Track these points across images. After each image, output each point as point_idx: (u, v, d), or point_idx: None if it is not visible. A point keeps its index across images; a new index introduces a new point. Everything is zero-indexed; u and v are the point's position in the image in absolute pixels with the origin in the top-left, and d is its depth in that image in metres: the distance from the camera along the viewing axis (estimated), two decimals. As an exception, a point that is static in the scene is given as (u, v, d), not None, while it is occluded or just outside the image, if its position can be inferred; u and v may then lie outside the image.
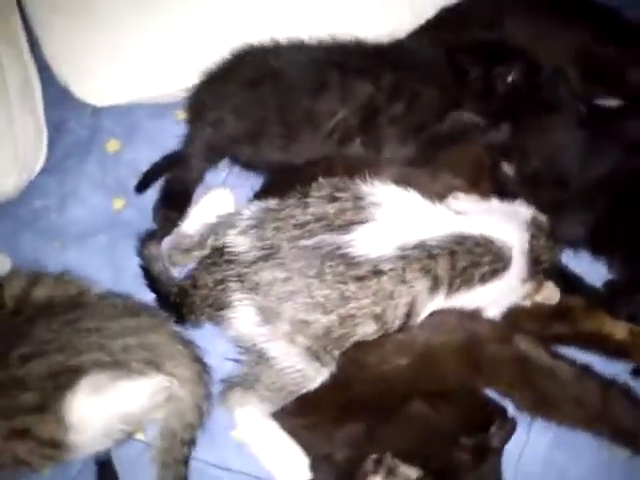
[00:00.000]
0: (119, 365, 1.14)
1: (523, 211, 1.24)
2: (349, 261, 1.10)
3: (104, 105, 1.46)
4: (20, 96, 1.39)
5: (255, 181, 1.39)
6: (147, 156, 1.44)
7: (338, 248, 1.10)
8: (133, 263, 1.30)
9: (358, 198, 1.15)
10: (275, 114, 1.33)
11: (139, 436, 1.23)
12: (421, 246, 1.12)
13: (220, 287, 1.15)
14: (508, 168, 1.36)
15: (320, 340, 1.11)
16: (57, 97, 1.47)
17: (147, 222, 1.36)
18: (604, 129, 1.37)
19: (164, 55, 1.44)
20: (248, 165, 1.40)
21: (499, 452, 1.15)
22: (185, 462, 1.18)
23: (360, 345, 1.14)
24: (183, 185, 1.38)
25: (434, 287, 1.13)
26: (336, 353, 1.14)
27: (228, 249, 1.16)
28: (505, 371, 1.18)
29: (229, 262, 1.15)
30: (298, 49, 1.36)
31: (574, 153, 1.35)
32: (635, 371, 1.28)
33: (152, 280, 1.28)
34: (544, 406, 1.20)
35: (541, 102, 1.38)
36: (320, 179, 1.20)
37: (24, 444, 1.10)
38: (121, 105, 1.47)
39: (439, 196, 1.22)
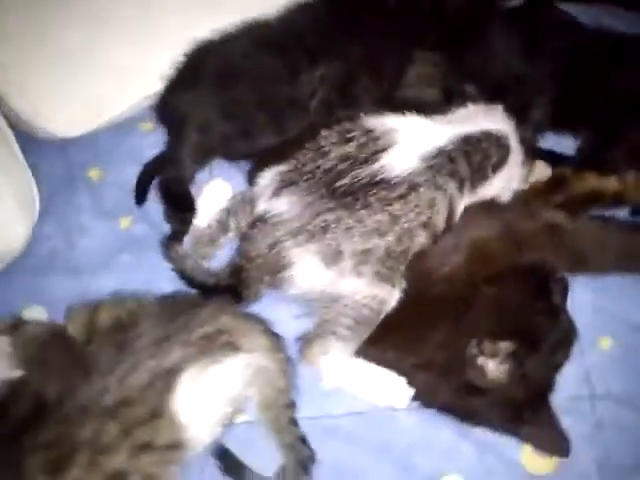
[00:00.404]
0: (205, 354, 1.16)
1: (496, 107, 1.37)
2: (387, 185, 1.19)
3: (72, 136, 1.47)
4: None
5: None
6: (132, 172, 1.45)
7: (374, 177, 1.19)
8: (164, 269, 1.33)
9: (369, 131, 1.24)
10: (258, 107, 1.38)
11: (240, 419, 1.26)
12: (440, 153, 1.22)
13: (275, 250, 1.21)
14: (471, 88, 1.47)
15: (384, 263, 1.19)
16: (20, 140, 1.45)
17: (160, 230, 1.38)
18: (539, 21, 1.52)
19: (118, 73, 1.46)
20: (244, 157, 1.44)
21: (564, 309, 1.27)
22: (295, 423, 1.22)
23: (419, 256, 1.23)
24: (181, 185, 1.41)
25: (461, 186, 1.24)
26: (402, 269, 1.21)
27: (269, 214, 1.22)
28: (540, 241, 1.29)
29: (275, 225, 1.21)
30: (257, 39, 1.41)
31: (520, 52, 1.49)
32: (633, 212, 1.43)
33: (190, 279, 1.31)
34: (579, 262, 1.32)
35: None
36: (322, 131, 1.28)
37: (149, 456, 1.11)
38: (85, 135, 1.48)
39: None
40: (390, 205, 1.18)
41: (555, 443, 1.20)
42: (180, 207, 1.39)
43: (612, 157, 1.45)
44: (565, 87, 1.48)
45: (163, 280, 1.33)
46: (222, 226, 1.35)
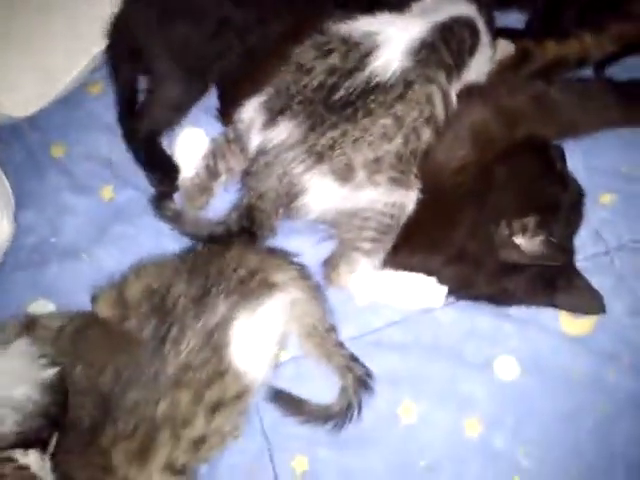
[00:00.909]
0: (247, 297, 1.14)
1: None
2: (383, 88, 1.16)
3: (28, 114, 1.39)
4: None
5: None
6: (96, 139, 1.41)
7: (368, 83, 1.16)
8: (164, 229, 1.29)
9: (346, 39, 1.21)
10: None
11: (283, 357, 1.24)
12: (424, 46, 1.21)
13: (285, 179, 1.17)
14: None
15: (396, 167, 1.18)
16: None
17: (146, 191, 1.33)
18: None
19: (59, 41, 1.39)
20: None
21: (568, 173, 1.29)
22: (342, 345, 1.21)
23: (427, 155, 1.22)
24: (154, 145, 1.36)
25: (449, 75, 1.23)
26: (414, 170, 1.20)
27: (270, 145, 1.18)
28: (529, 113, 1.31)
29: (279, 154, 1.18)
30: None
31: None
32: (597, 69, 1.46)
33: (194, 234, 1.27)
34: (566, 128, 1.35)
35: None
36: (295, 50, 1.24)
37: (222, 414, 1.09)
38: (38, 114, 1.40)
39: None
40: (392, 107, 1.16)
41: (590, 302, 1.23)
42: (161, 169, 1.34)
43: (564, 20, 1.47)
44: None
45: (166, 241, 1.29)
46: (211, 172, 1.30)
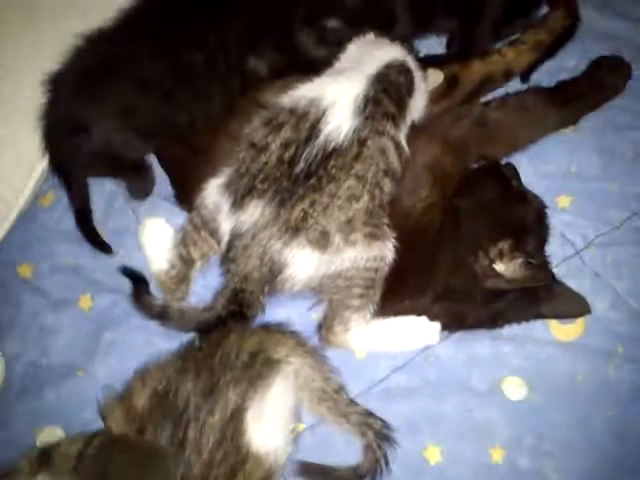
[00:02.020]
0: (255, 381, 1.15)
1: (371, 36, 1.39)
2: (340, 151, 1.18)
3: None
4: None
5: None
6: (60, 251, 1.41)
7: (324, 149, 1.18)
8: (154, 326, 1.29)
9: (292, 110, 1.23)
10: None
11: (302, 427, 1.25)
12: (367, 100, 1.23)
13: (266, 258, 1.19)
14: (334, 23, 1.47)
15: (369, 222, 1.20)
16: None
17: (124, 292, 1.32)
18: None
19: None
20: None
21: (524, 188, 1.35)
22: (354, 403, 1.23)
23: (393, 203, 1.25)
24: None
25: (395, 122, 1.25)
26: (386, 221, 1.23)
27: (243, 228, 1.20)
28: (475, 137, 1.36)
29: (255, 235, 1.19)
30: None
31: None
32: (523, 78, 1.52)
33: (183, 326, 1.27)
34: (511, 142, 1.41)
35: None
36: (244, 129, 1.25)
37: None
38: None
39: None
40: (352, 168, 1.18)
41: (575, 305, 1.29)
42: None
43: (480, 37, 1.53)
44: None
45: (157, 338, 1.29)
46: (185, 261, 1.30)
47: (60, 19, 1.42)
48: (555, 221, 1.39)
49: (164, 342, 1.27)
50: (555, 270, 1.35)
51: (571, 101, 1.45)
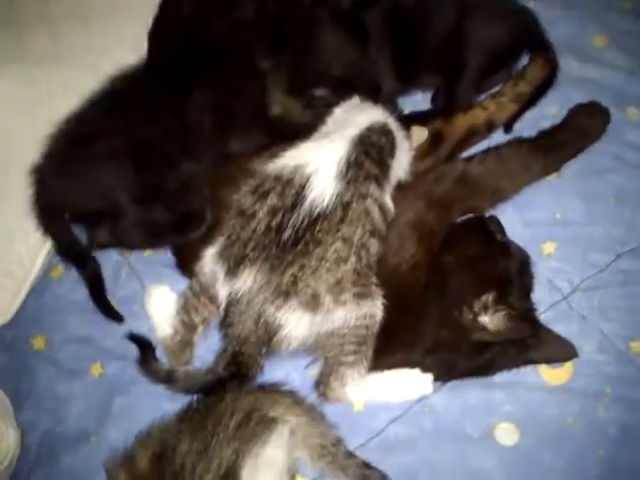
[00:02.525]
0: (248, 439, 1.20)
1: (356, 100, 1.47)
2: (325, 215, 1.25)
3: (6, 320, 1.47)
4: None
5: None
6: (72, 321, 1.49)
7: (310, 215, 1.25)
8: (161, 390, 1.35)
9: (277, 177, 1.29)
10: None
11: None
12: (349, 164, 1.29)
13: (261, 321, 1.25)
14: (321, 92, 1.55)
15: (357, 282, 1.26)
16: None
17: (132, 358, 1.38)
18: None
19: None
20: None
21: (508, 240, 1.41)
22: (352, 455, 1.28)
23: (380, 262, 1.31)
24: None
25: (379, 183, 1.32)
26: (373, 280, 1.29)
27: (238, 294, 1.26)
28: (458, 194, 1.42)
29: (249, 301, 1.25)
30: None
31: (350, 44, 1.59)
32: (505, 129, 1.58)
33: (188, 389, 1.34)
34: (495, 195, 1.46)
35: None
36: (233, 197, 1.33)
37: None
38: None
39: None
40: (338, 231, 1.24)
41: (562, 350, 1.34)
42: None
43: (463, 92, 1.59)
44: (400, 50, 1.60)
45: (164, 401, 1.35)
46: (188, 326, 1.37)
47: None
48: (542, 268, 1.44)
49: (171, 404, 1.32)
50: (543, 316, 1.40)
51: (553, 149, 1.50)
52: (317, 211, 1.25)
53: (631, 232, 1.49)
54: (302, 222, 1.25)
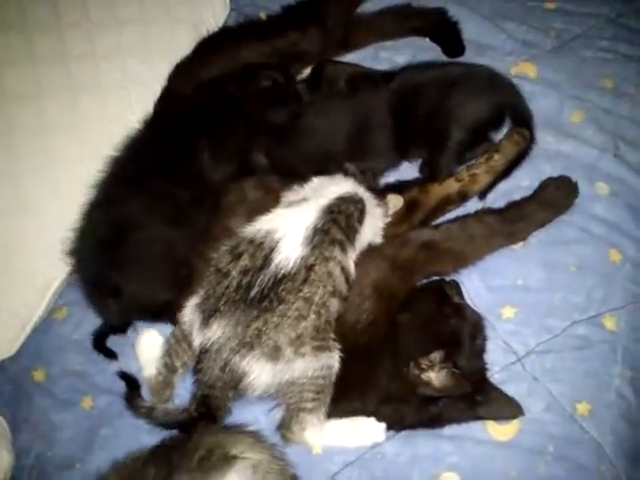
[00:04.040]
0: (207, 472, 1.33)
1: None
2: (289, 276, 1.39)
3: (8, 356, 1.65)
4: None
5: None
6: (68, 360, 1.65)
7: (275, 275, 1.39)
8: (142, 424, 1.50)
9: (251, 241, 1.45)
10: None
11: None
12: (316, 230, 1.44)
13: (227, 369, 1.39)
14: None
15: (316, 337, 1.39)
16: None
17: (119, 393, 1.53)
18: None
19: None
20: None
21: (465, 303, 1.52)
22: (307, 494, 1.41)
23: (340, 318, 1.45)
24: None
25: (343, 248, 1.46)
26: (332, 335, 1.43)
27: (209, 344, 1.41)
28: (421, 259, 1.55)
29: (218, 350, 1.40)
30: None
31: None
32: (480, 197, 1.70)
33: (165, 424, 1.48)
34: (458, 261, 1.58)
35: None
36: (211, 255, 1.48)
37: None
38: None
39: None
40: (300, 291, 1.39)
41: (509, 408, 1.45)
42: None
43: (445, 163, 1.72)
44: (398, 126, 1.75)
45: (143, 435, 1.50)
46: (169, 368, 1.52)
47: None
48: (500, 331, 1.56)
49: (149, 438, 1.47)
50: (497, 376, 1.51)
51: (520, 220, 1.62)
52: (282, 272, 1.39)
53: (590, 301, 1.59)
54: (268, 282, 1.39)
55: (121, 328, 1.62)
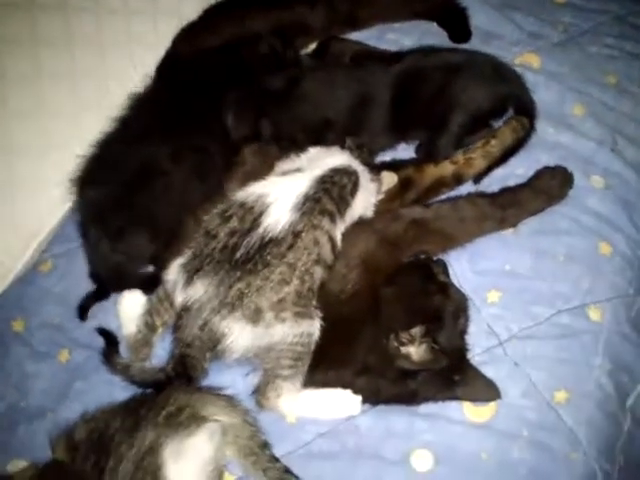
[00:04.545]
0: (176, 430, 1.34)
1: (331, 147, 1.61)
2: (275, 241, 1.39)
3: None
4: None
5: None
6: (50, 311, 1.65)
7: (262, 239, 1.39)
8: (117, 380, 1.49)
9: (243, 204, 1.44)
10: None
11: (232, 478, 1.43)
12: (307, 199, 1.43)
13: (206, 329, 1.39)
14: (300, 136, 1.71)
15: (298, 303, 1.39)
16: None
17: (97, 349, 1.53)
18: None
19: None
20: None
21: (450, 283, 1.51)
22: (275, 459, 1.40)
23: (324, 286, 1.44)
24: None
25: (332, 219, 1.45)
26: (314, 302, 1.42)
27: (190, 302, 1.40)
28: (410, 236, 1.54)
29: (198, 309, 1.39)
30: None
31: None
32: (475, 181, 1.70)
33: (140, 382, 1.47)
34: (447, 241, 1.58)
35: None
36: (204, 218, 1.47)
37: None
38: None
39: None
40: (284, 257, 1.38)
41: (486, 391, 1.44)
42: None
43: (444, 146, 1.71)
44: (398, 108, 1.74)
45: (117, 390, 1.48)
46: (149, 327, 1.51)
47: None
48: (484, 314, 1.55)
49: (124, 394, 1.46)
50: (478, 358, 1.50)
51: (511, 206, 1.61)
52: (269, 236, 1.39)
53: (576, 291, 1.58)
54: (254, 245, 1.39)
55: (104, 293, 1.62)
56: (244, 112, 1.69)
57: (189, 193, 1.61)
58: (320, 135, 1.65)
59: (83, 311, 1.61)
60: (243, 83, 1.72)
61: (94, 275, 1.61)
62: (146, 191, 1.58)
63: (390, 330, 1.40)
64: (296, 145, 1.61)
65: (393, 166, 1.69)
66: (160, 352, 1.53)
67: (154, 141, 1.61)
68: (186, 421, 1.34)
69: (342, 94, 1.74)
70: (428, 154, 1.73)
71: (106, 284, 1.61)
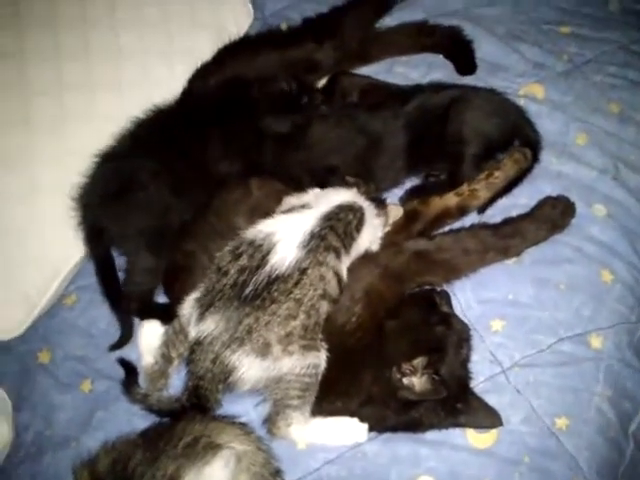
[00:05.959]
0: (193, 459, 1.40)
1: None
2: (282, 278, 1.45)
3: (16, 335, 1.73)
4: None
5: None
6: (74, 342, 1.73)
7: (269, 276, 1.45)
8: (136, 410, 1.57)
9: (252, 242, 1.51)
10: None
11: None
12: (312, 236, 1.50)
13: (217, 362, 1.46)
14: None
15: (305, 336, 1.45)
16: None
17: (117, 380, 1.59)
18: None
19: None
20: None
21: (452, 313, 1.57)
22: (288, 487, 1.47)
23: (329, 319, 1.51)
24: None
25: (337, 255, 1.52)
26: (320, 335, 1.49)
27: (202, 336, 1.47)
28: (414, 268, 1.60)
29: (210, 343, 1.46)
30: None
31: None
32: (479, 211, 1.75)
33: (158, 411, 1.55)
34: (450, 272, 1.64)
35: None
36: (216, 255, 1.54)
37: None
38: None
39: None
40: (291, 293, 1.45)
41: (488, 418, 1.49)
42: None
43: (465, 173, 1.77)
44: (409, 148, 1.81)
45: (137, 419, 1.57)
46: (166, 359, 1.58)
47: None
48: (487, 342, 1.61)
49: (143, 422, 1.54)
50: (481, 386, 1.56)
51: (514, 236, 1.66)
52: (276, 273, 1.46)
53: (578, 319, 1.64)
54: (262, 281, 1.45)
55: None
56: (231, 147, 1.77)
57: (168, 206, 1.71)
58: (325, 179, 1.70)
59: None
60: (243, 120, 1.79)
61: (114, 307, 1.70)
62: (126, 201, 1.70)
63: (393, 362, 1.46)
64: (301, 186, 1.68)
65: (399, 198, 1.76)
66: (177, 382, 1.60)
67: (139, 156, 1.72)
68: (202, 450, 1.41)
69: (351, 142, 1.80)
70: (453, 181, 1.78)
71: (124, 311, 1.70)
